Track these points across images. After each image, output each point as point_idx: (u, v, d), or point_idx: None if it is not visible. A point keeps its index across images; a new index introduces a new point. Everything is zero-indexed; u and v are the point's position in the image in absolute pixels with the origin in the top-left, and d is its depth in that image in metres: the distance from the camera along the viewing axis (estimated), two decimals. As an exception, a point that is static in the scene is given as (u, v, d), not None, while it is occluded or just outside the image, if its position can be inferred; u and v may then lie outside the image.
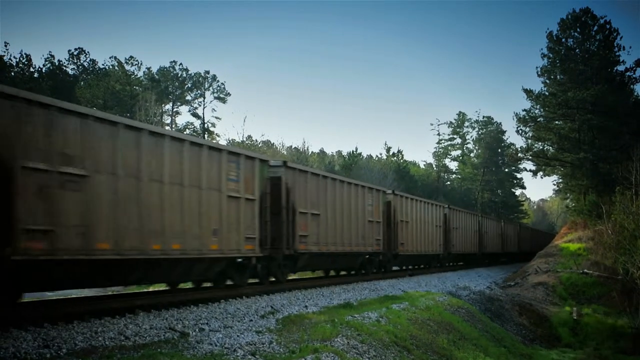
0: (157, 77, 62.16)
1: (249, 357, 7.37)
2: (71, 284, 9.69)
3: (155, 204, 9.91)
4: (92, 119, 8.94)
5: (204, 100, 66.03)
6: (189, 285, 13.32)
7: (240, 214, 12.25)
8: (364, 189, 18.82)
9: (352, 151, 59.88)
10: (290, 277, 16.21)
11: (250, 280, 13.67)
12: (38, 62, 69.39)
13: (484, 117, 74.20)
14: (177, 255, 10.43)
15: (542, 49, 39.65)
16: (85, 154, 8.65)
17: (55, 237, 8.05)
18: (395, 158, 64.49)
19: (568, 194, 46.40)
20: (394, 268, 22.74)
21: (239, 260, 12.55)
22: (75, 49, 59.35)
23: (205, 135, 67.10)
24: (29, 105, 7.86)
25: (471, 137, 75.25)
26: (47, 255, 7.98)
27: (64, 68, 54.75)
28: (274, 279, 14.54)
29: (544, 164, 40.94)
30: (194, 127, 67.55)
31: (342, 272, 19.67)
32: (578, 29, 37.86)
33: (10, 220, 7.56)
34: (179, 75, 64.34)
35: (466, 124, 74.98)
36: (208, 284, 13.07)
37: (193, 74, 65.01)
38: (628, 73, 37.66)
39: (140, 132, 9.75)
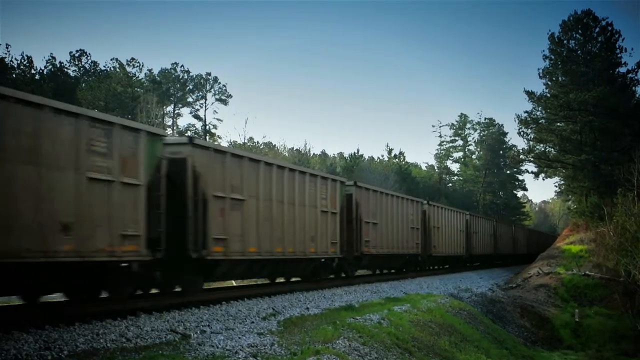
0: (158, 78, 62.24)
1: (251, 359, 7.37)
2: (234, 276, 13.62)
3: (278, 219, 13.06)
4: (247, 159, 12.19)
5: (205, 102, 66.12)
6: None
7: (328, 225, 15.42)
8: (408, 201, 22.38)
9: (354, 153, 59.91)
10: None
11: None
12: (39, 63, 69.56)
13: (485, 118, 74.16)
14: (291, 257, 13.58)
15: (543, 51, 39.64)
16: (243, 184, 11.87)
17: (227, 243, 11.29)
18: (397, 160, 64.46)
19: (570, 196, 46.30)
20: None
21: (323, 260, 15.42)
22: (77, 51, 59.37)
23: (207, 137, 67.16)
24: (215, 153, 11.25)
25: (473, 138, 75.24)
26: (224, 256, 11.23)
27: (65, 70, 54.80)
28: (344, 275, 17.53)
29: (545, 166, 40.87)
30: (196, 129, 67.59)
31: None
32: (580, 31, 37.81)
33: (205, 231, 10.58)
34: (181, 77, 64.43)
35: (468, 125, 74.95)
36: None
37: (194, 76, 65.12)
38: (630, 75, 37.64)
39: (272, 166, 13.12)
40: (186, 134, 67.25)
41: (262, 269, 13.61)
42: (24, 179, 7.55)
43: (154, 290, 10.83)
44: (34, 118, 7.67)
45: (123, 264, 9.13)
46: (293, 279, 15.96)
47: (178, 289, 11.32)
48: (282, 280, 15.75)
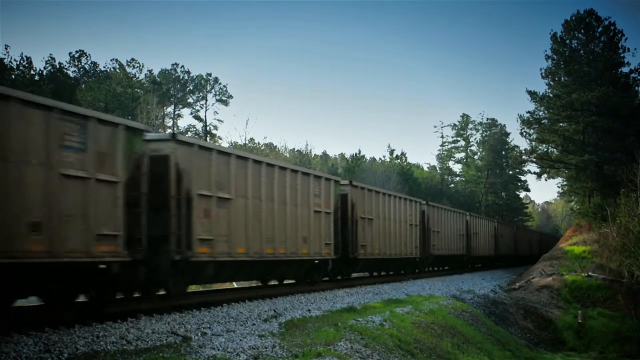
0: (158, 79, 62.20)
1: (252, 361, 7.32)
2: (222, 279, 13.09)
3: (268, 218, 12.52)
4: (235, 156, 11.72)
5: (205, 103, 66.08)
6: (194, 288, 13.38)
7: (321, 225, 14.82)
8: (407, 201, 21.96)
9: (355, 154, 59.86)
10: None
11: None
12: (39, 64, 69.72)
13: (487, 119, 74.04)
14: (282, 258, 13.15)
15: (546, 51, 39.64)
16: (230, 183, 11.34)
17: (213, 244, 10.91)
18: (398, 160, 64.40)
19: (572, 197, 46.19)
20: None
21: (316, 261, 14.86)
22: (76, 52, 59.40)
23: (208, 138, 67.15)
24: (199, 149, 10.68)
25: (475, 139, 75.14)
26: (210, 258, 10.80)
27: (65, 71, 54.82)
28: (339, 277, 17.19)
29: (548, 166, 40.78)
30: (196, 129, 67.57)
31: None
32: (582, 31, 37.74)
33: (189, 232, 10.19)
34: (181, 77, 64.39)
35: (470, 126, 74.83)
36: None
37: (195, 77, 65.05)
38: (633, 75, 37.57)
39: (261, 164, 12.42)
40: (186, 135, 67.32)
41: (252, 271, 13.16)
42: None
43: (136, 294, 10.36)
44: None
45: (101, 266, 8.64)
46: (287, 282, 15.63)
47: (162, 292, 10.80)
48: (274, 282, 15.39)
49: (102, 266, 8.69)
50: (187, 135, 13.21)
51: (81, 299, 9.06)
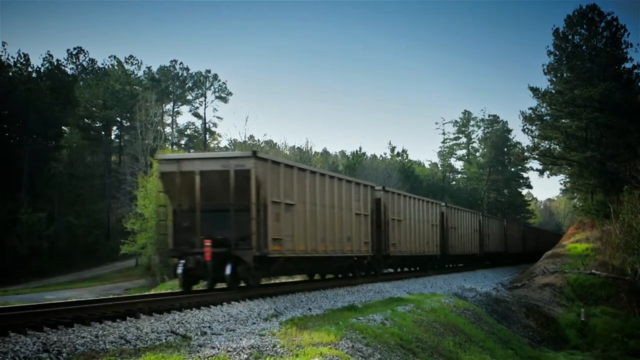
0: (157, 76, 61.99)
1: (252, 360, 7.25)
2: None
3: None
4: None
5: (205, 100, 65.92)
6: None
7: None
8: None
9: (356, 151, 59.78)
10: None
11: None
12: (36, 61, 69.35)
13: (489, 115, 73.81)
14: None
15: (548, 47, 39.33)
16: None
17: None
18: (399, 158, 64.30)
19: (575, 194, 46.05)
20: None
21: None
22: (74, 49, 59.40)
23: (207, 135, 67.03)
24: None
25: (477, 136, 74.95)
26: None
27: (63, 68, 54.71)
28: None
29: (550, 163, 40.61)
30: (195, 127, 67.42)
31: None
32: (585, 26, 37.50)
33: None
34: (180, 74, 64.15)
35: (471, 122, 74.61)
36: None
37: (194, 73, 64.82)
38: (636, 70, 37.28)
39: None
40: (187, 133, 67.21)
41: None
42: (337, 215, 15.23)
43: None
44: (339, 186, 15.72)
45: (356, 258, 17.17)
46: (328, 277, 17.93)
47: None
48: (317, 277, 17.72)
49: (355, 258, 17.14)
50: (263, 152, 15.61)
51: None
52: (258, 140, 58.44)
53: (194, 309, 10.24)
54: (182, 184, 12.15)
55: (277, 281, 16.12)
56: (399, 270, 23.56)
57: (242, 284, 12.58)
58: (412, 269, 24.53)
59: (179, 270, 11.99)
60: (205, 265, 11.56)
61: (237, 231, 11.70)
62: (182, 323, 9.00)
